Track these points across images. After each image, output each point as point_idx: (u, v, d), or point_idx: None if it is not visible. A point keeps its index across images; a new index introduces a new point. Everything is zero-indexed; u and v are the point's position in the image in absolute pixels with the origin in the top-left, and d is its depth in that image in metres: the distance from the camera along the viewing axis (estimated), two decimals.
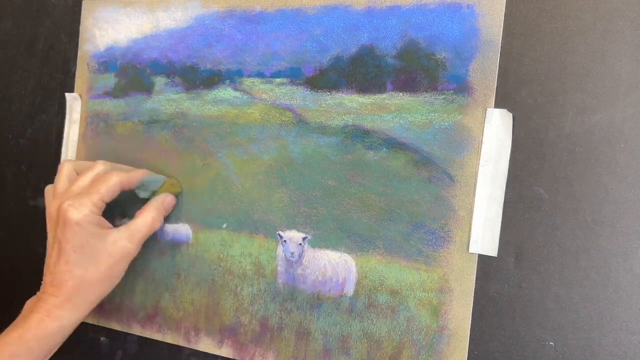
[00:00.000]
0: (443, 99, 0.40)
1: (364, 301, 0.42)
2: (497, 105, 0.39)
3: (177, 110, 0.50)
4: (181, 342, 0.48)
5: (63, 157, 0.55)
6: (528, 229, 0.38)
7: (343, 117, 0.43)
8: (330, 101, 0.44)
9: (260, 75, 0.46)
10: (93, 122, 0.53)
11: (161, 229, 0.49)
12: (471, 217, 0.39)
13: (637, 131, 0.36)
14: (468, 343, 0.39)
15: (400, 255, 0.41)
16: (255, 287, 0.46)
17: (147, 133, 0.51)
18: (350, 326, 0.42)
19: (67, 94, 0.55)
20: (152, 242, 0.50)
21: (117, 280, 0.45)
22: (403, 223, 0.41)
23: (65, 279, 0.43)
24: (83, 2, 0.54)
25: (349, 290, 0.43)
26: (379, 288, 0.42)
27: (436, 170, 0.40)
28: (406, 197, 0.41)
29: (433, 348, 0.40)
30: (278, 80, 0.46)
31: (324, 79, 0.44)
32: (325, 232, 0.43)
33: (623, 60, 0.36)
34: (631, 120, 0.36)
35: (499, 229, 0.39)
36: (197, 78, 0.49)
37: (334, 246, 0.43)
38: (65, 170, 0.47)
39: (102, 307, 0.52)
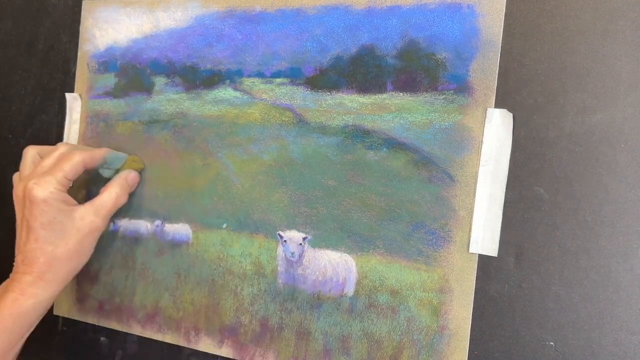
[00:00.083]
0: (443, 99, 0.40)
1: (364, 301, 0.42)
2: (497, 105, 0.39)
3: (177, 110, 0.50)
4: (181, 342, 0.48)
5: None
6: (528, 229, 0.38)
7: (343, 117, 0.43)
8: (330, 101, 0.44)
9: (260, 75, 0.46)
10: (93, 122, 0.53)
11: (161, 229, 0.49)
12: (471, 217, 0.39)
13: (637, 131, 0.36)
14: (468, 343, 0.39)
15: (400, 255, 0.41)
16: (256, 287, 0.46)
17: (147, 133, 0.51)
18: (350, 326, 0.42)
19: (67, 94, 0.55)
20: (152, 242, 0.50)
21: (86, 256, 0.46)
22: (403, 223, 0.41)
23: (36, 256, 0.44)
24: (83, 2, 0.54)
25: (349, 290, 0.43)
26: (379, 288, 0.42)
27: (436, 170, 0.40)
28: (406, 197, 0.41)
29: (433, 348, 0.40)
30: (278, 80, 0.46)
31: (324, 79, 0.44)
32: (325, 232, 0.43)
33: (623, 60, 0.36)
34: (631, 120, 0.36)
35: (499, 229, 0.39)
36: (197, 78, 0.49)
37: (334, 246, 0.43)
38: (29, 155, 0.48)
39: (102, 307, 0.52)
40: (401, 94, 0.42)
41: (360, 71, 0.43)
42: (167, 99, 0.50)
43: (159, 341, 0.50)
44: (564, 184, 0.38)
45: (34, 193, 0.44)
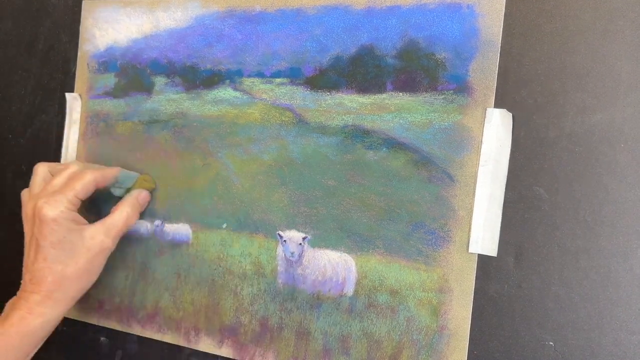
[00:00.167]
0: (443, 99, 0.40)
1: (363, 301, 0.42)
2: (497, 105, 0.39)
3: (177, 110, 0.50)
4: (181, 342, 0.48)
5: (63, 157, 0.55)
6: (528, 229, 0.38)
7: (343, 117, 0.43)
8: (330, 101, 0.44)
9: (260, 75, 0.46)
10: (93, 122, 0.53)
11: (161, 229, 0.49)
12: (471, 217, 0.39)
13: (637, 131, 0.36)
14: (468, 343, 0.39)
15: (400, 255, 0.41)
16: (255, 287, 0.46)
17: (147, 133, 0.51)
18: (350, 326, 0.42)
19: (67, 94, 0.55)
20: (152, 242, 0.50)
21: (95, 276, 0.46)
22: (403, 223, 0.41)
23: (44, 275, 0.44)
24: (83, 2, 0.54)
25: (349, 290, 0.43)
26: (378, 288, 0.42)
27: (436, 170, 0.40)
28: (406, 197, 0.41)
29: (433, 348, 0.40)
30: (278, 80, 0.46)
31: (324, 79, 0.44)
32: (325, 232, 0.43)
33: (623, 60, 0.36)
34: (631, 120, 0.36)
35: (499, 229, 0.39)
36: (197, 78, 0.49)
37: (334, 246, 0.43)
38: (39, 172, 0.47)
39: (102, 307, 0.52)
40: (401, 94, 0.42)
41: (360, 71, 0.43)
42: (167, 99, 0.50)
43: (159, 341, 0.50)
44: (564, 184, 0.38)
45: (44, 212, 0.43)
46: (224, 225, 0.47)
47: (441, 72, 0.40)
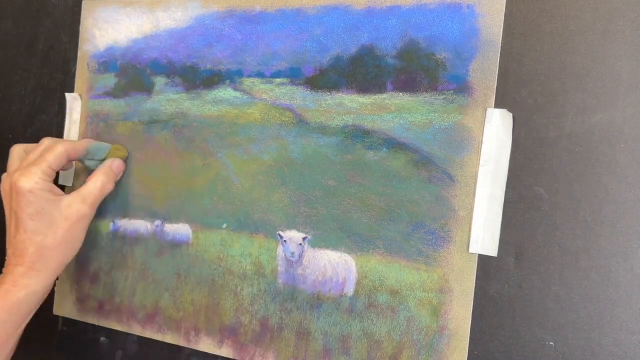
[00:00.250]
0: (443, 99, 0.40)
1: (364, 301, 0.42)
2: (497, 105, 0.39)
3: (177, 110, 0.50)
4: (181, 342, 0.48)
5: None
6: (528, 229, 0.38)
7: (343, 117, 0.43)
8: (330, 101, 0.44)
9: (260, 75, 0.46)
10: (93, 122, 0.53)
11: (161, 229, 0.49)
12: (471, 217, 0.39)
13: (637, 131, 0.36)
14: (468, 343, 0.39)
15: (400, 255, 0.41)
16: (255, 287, 0.46)
17: (147, 133, 0.51)
18: (350, 326, 0.42)
19: (67, 94, 0.55)
20: (152, 242, 0.50)
21: (77, 245, 0.47)
22: (403, 223, 0.41)
23: (26, 247, 0.44)
24: (83, 2, 0.54)
25: (349, 290, 0.43)
26: (379, 288, 0.42)
27: (436, 170, 0.40)
28: (406, 197, 0.41)
29: (433, 348, 0.40)
30: (278, 80, 0.46)
31: (324, 79, 0.44)
32: (325, 232, 0.43)
33: (623, 60, 0.36)
34: (631, 120, 0.36)
35: (499, 229, 0.39)
36: (197, 78, 0.49)
37: (334, 246, 0.43)
38: (15, 152, 0.49)
39: (102, 307, 0.52)
40: (401, 94, 0.42)
41: (360, 71, 0.43)
42: (167, 99, 0.50)
43: (159, 341, 0.50)
44: (564, 184, 0.38)
45: (20, 184, 0.44)
46: (224, 225, 0.47)
47: (441, 72, 0.40)
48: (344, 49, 0.43)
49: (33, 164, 0.46)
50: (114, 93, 0.53)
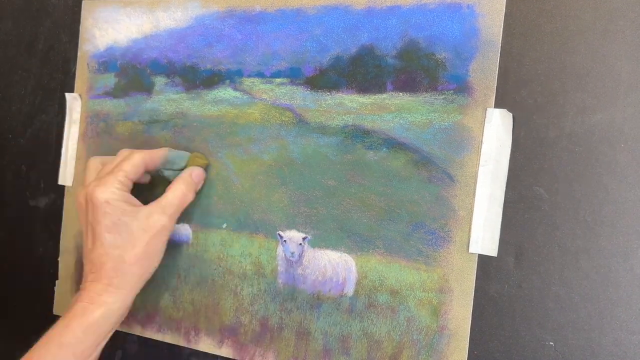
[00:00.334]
0: (443, 99, 0.40)
1: (364, 301, 0.42)
2: (497, 105, 0.39)
3: (177, 110, 0.50)
4: (181, 342, 0.48)
5: (63, 157, 0.55)
6: (528, 229, 0.38)
7: (343, 117, 0.43)
8: (330, 101, 0.44)
9: (260, 75, 0.46)
10: (93, 122, 0.53)
11: None
12: (471, 217, 0.39)
13: (637, 131, 0.36)
14: (468, 343, 0.39)
15: (400, 255, 0.41)
16: (255, 287, 0.46)
17: (147, 133, 0.51)
18: (350, 326, 0.42)
19: (67, 94, 0.55)
20: None
21: (156, 259, 0.44)
22: (403, 223, 0.41)
23: (103, 262, 0.42)
24: (83, 2, 0.54)
25: (349, 290, 0.43)
26: (379, 288, 0.42)
27: (436, 170, 0.40)
28: (406, 197, 0.41)
29: (433, 348, 0.40)
30: (278, 80, 0.46)
31: (324, 79, 0.44)
32: (325, 232, 0.43)
33: (623, 60, 0.36)
34: (631, 120, 0.36)
35: (499, 229, 0.39)
36: (197, 78, 0.49)
37: (334, 246, 0.43)
38: (91, 165, 0.47)
39: None
40: (401, 94, 0.42)
41: (360, 71, 0.43)
42: (167, 99, 0.50)
43: (159, 341, 0.50)
44: (564, 184, 0.38)
45: (96, 195, 0.42)
46: (224, 225, 0.47)
47: (441, 72, 0.40)
48: (344, 49, 0.43)
49: (109, 174, 0.43)
50: (114, 93, 0.53)
